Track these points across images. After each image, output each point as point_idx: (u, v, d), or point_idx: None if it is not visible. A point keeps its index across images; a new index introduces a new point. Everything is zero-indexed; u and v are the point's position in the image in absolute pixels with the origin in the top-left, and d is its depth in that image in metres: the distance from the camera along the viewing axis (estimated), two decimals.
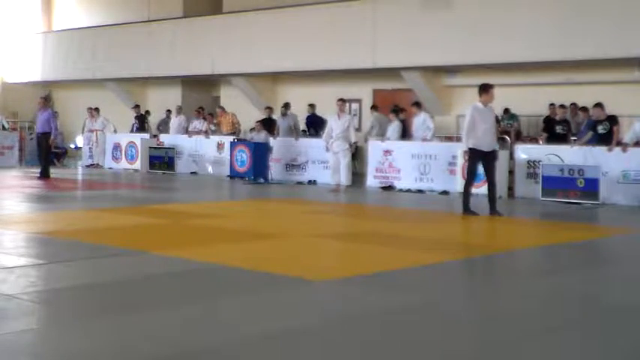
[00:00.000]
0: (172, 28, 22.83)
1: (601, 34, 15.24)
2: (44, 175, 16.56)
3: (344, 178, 15.10)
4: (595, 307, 5.55)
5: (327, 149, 15.31)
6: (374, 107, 18.52)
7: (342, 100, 15.55)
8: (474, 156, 11.09)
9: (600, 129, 13.77)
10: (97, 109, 22.17)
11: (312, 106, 19.20)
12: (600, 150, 13.42)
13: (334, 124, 15.15)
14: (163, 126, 21.88)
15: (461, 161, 13.68)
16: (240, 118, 19.87)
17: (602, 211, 12.22)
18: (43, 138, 16.80)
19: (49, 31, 28.28)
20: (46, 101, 17.71)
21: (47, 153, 17.11)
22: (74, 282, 5.87)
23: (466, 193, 11.21)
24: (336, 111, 15.33)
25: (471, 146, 11.03)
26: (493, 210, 10.99)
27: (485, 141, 10.98)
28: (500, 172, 13.96)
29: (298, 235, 8.93)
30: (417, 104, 16.33)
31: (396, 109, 16.86)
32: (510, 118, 16.78)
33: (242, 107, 20.86)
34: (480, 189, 13.90)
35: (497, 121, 15.93)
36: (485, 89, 11.13)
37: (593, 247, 8.75)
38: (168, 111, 22.07)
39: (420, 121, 15.66)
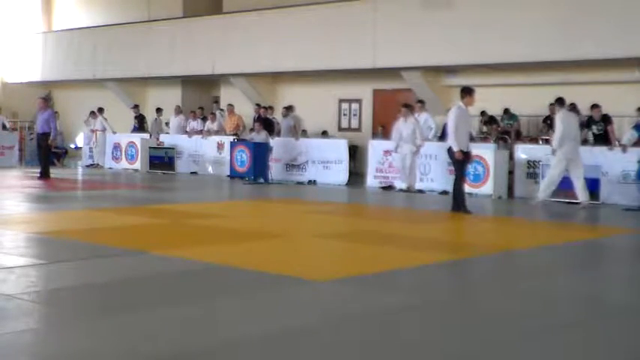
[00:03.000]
0: (172, 28, 22.82)
1: (601, 34, 15.24)
2: (44, 175, 16.56)
3: (412, 178, 15.05)
4: (595, 307, 5.55)
5: (396, 150, 15.14)
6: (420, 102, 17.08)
7: (406, 106, 15.45)
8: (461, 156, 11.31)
9: (595, 129, 13.85)
10: (100, 110, 22.16)
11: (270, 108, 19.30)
12: (600, 150, 13.45)
13: (402, 127, 15.05)
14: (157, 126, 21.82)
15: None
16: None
17: (602, 211, 12.22)
18: (43, 138, 16.80)
19: (49, 31, 28.28)
20: (46, 101, 17.67)
21: (47, 153, 17.11)
22: (74, 282, 5.87)
23: (462, 193, 11.32)
24: (402, 115, 15.27)
25: (458, 148, 11.22)
26: (463, 208, 11.19)
27: (465, 141, 11.34)
28: (500, 172, 14.04)
29: (298, 235, 8.93)
30: (422, 102, 16.35)
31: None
32: (510, 118, 16.79)
33: (242, 107, 20.85)
34: (480, 189, 14.00)
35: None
36: (469, 92, 11.41)
37: (593, 247, 8.75)
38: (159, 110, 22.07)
39: (421, 121, 15.64)
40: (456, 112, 11.22)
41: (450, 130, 11.24)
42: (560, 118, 12.60)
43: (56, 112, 19.89)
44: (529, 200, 12.90)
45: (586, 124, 14.21)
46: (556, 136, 12.56)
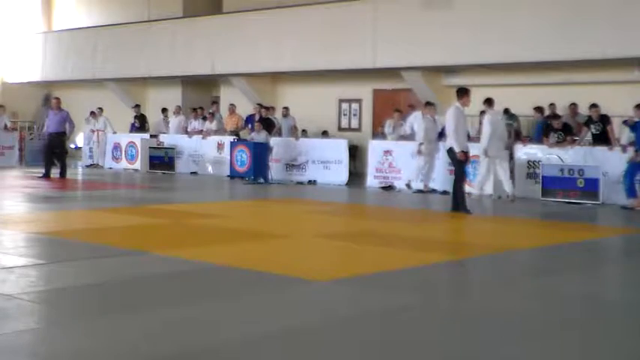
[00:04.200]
0: (172, 28, 22.82)
1: (601, 34, 15.23)
2: (62, 175, 16.64)
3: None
4: (595, 307, 5.55)
5: (420, 151, 14.82)
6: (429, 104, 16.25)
7: (428, 104, 15.58)
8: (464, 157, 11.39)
9: (593, 129, 13.87)
10: (100, 109, 22.16)
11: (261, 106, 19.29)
12: (600, 150, 13.45)
13: (430, 125, 14.91)
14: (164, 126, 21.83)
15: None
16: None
17: (602, 211, 12.22)
18: (57, 138, 16.83)
19: (49, 31, 28.26)
20: (58, 101, 17.56)
21: (62, 153, 17.05)
22: (74, 282, 5.87)
23: (462, 193, 11.33)
24: (424, 114, 15.28)
25: (453, 146, 11.28)
26: (463, 208, 11.21)
27: (466, 142, 11.46)
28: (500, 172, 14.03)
29: (298, 235, 8.93)
30: (430, 104, 16.29)
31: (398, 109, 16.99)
32: (510, 118, 16.76)
33: (242, 107, 20.84)
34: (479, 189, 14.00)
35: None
36: (466, 92, 11.52)
37: (593, 247, 8.75)
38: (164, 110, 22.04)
39: (430, 123, 15.62)
40: (454, 113, 11.25)
41: (450, 130, 11.26)
42: (488, 119, 13.28)
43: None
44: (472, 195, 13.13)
45: (585, 123, 14.25)
46: (484, 136, 13.21)
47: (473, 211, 11.23)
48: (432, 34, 17.46)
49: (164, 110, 21.90)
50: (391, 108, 17.83)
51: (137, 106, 22.77)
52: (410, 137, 15.80)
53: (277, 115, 19.26)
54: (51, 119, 17.02)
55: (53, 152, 17.01)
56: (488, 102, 13.43)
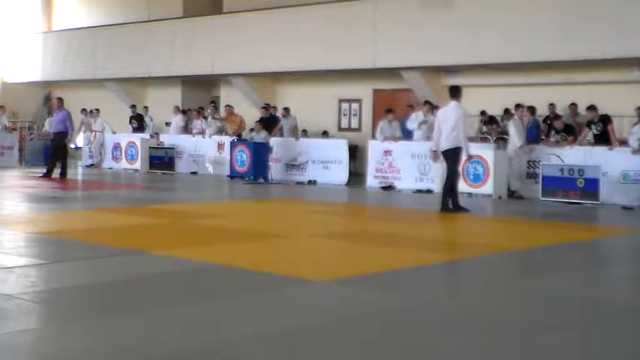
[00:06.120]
0: (172, 28, 22.82)
1: (601, 34, 15.23)
2: (62, 175, 16.56)
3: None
4: (595, 307, 5.55)
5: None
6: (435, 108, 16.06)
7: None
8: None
9: (594, 129, 13.86)
10: (97, 110, 22.18)
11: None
12: (600, 150, 13.44)
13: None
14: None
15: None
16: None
17: (602, 211, 12.22)
18: (58, 138, 16.83)
19: (49, 31, 28.27)
20: (61, 101, 17.53)
21: (64, 153, 17.03)
22: (74, 282, 5.87)
23: (455, 192, 11.34)
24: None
25: (461, 146, 11.31)
26: (457, 206, 11.31)
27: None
28: (500, 172, 14.04)
29: (298, 235, 8.93)
30: (429, 103, 16.29)
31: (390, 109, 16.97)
32: (510, 119, 16.75)
33: (242, 107, 20.85)
34: (480, 189, 14.00)
35: None
36: (461, 90, 11.49)
37: (593, 247, 8.76)
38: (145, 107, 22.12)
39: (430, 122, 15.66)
40: (464, 113, 11.22)
41: (461, 131, 11.17)
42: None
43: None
44: None
45: (587, 124, 14.23)
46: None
47: (467, 210, 11.25)
48: (432, 34, 17.46)
49: (145, 108, 21.95)
50: (392, 108, 17.81)
51: (133, 106, 22.76)
52: (408, 137, 15.85)
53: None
54: (54, 119, 17.12)
55: (54, 152, 17.01)
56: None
